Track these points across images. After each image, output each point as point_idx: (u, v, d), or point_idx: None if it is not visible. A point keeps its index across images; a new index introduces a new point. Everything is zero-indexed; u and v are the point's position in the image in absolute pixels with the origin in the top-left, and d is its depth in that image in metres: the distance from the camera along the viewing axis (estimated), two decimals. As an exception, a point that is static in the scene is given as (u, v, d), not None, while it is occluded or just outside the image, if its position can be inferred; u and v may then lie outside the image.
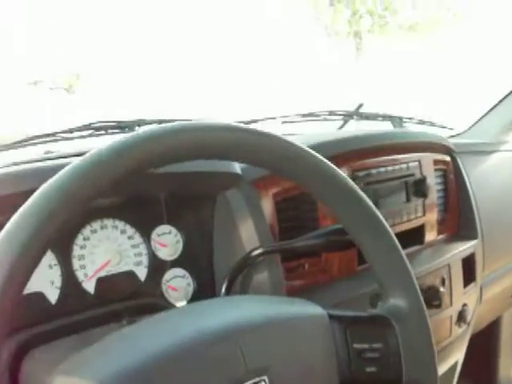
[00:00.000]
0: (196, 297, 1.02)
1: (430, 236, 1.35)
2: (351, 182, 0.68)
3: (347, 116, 2.06)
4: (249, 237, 0.98)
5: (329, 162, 0.66)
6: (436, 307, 1.24)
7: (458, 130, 2.23)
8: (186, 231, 1.02)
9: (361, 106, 2.34)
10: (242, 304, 0.71)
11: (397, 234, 1.25)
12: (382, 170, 1.20)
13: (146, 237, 0.98)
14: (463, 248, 1.39)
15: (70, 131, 1.35)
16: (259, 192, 1.01)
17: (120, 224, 0.96)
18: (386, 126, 2.54)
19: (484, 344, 2.23)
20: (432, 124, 2.21)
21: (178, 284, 1.00)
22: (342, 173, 0.67)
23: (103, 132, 1.37)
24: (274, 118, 1.80)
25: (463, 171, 1.48)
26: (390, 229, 0.71)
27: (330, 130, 1.48)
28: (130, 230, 0.97)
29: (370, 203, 0.69)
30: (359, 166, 1.16)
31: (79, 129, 1.35)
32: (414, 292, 0.71)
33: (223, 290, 0.96)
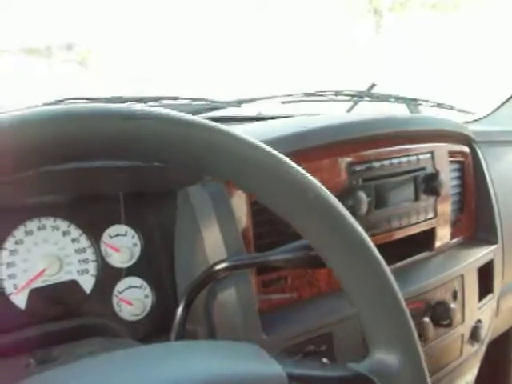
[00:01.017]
0: (154, 313, 0.84)
1: (442, 240, 1.15)
2: (323, 191, 0.48)
3: (356, 96, 1.86)
4: (213, 245, 0.80)
5: (287, 161, 0.46)
6: (445, 327, 1.05)
7: (479, 114, 2.02)
8: (145, 233, 0.84)
9: (373, 86, 2.13)
10: (181, 359, 0.51)
11: (403, 239, 1.08)
12: (386, 162, 1.00)
13: (95, 239, 0.80)
14: (481, 255, 1.19)
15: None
16: (230, 188, 0.82)
17: (62, 224, 0.79)
18: (400, 109, 2.33)
19: (498, 354, 2.06)
20: (450, 107, 2.00)
21: (133, 296, 0.83)
22: (310, 178, 0.47)
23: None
24: (272, 98, 1.61)
25: (484, 164, 1.27)
26: (377, 252, 0.52)
27: (330, 113, 1.27)
28: (74, 232, 0.80)
29: (351, 220, 0.49)
30: (357, 158, 0.96)
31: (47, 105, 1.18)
32: (410, 343, 0.51)
33: (179, 311, 0.78)
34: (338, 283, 0.93)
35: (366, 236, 0.50)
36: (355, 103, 2.10)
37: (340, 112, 1.86)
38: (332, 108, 1.98)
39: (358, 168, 0.96)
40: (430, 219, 1.10)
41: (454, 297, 1.09)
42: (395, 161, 1.02)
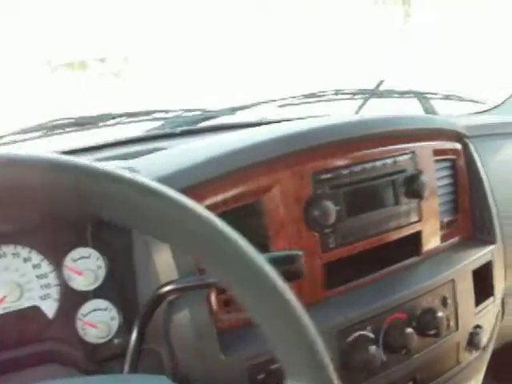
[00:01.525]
0: (120, 335, 0.82)
1: (431, 244, 1.10)
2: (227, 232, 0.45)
3: (358, 94, 1.81)
4: (165, 267, 0.78)
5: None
6: (433, 336, 0.99)
7: (489, 104, 1.94)
8: (109, 255, 0.83)
9: (381, 82, 2.07)
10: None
11: (388, 245, 1.04)
12: (358, 168, 0.96)
13: (57, 264, 0.80)
14: (475, 257, 1.12)
15: (24, 132, 1.20)
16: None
17: (23, 251, 0.79)
18: (411, 105, 2.26)
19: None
20: (460, 98, 1.93)
21: (98, 319, 0.82)
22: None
23: (60, 131, 1.22)
24: (268, 102, 1.58)
25: (477, 160, 1.20)
26: (285, 288, 0.48)
27: (318, 118, 1.23)
28: (36, 258, 0.80)
29: (252, 257, 0.46)
30: (323, 166, 0.92)
31: (33, 129, 1.20)
32: (321, 371, 0.48)
33: (134, 335, 0.77)
34: (311, 297, 0.90)
35: (269, 270, 0.47)
36: (364, 102, 2.05)
37: (343, 113, 1.82)
38: (341, 109, 1.94)
39: (323, 176, 0.92)
40: (413, 223, 1.05)
41: (444, 304, 1.04)
42: (368, 165, 0.97)
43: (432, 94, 1.95)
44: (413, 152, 1.05)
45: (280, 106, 1.59)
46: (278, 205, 0.88)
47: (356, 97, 1.78)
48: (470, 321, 1.10)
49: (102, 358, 0.81)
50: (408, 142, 1.04)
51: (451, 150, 1.17)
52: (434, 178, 1.10)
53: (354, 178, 0.95)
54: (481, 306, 1.13)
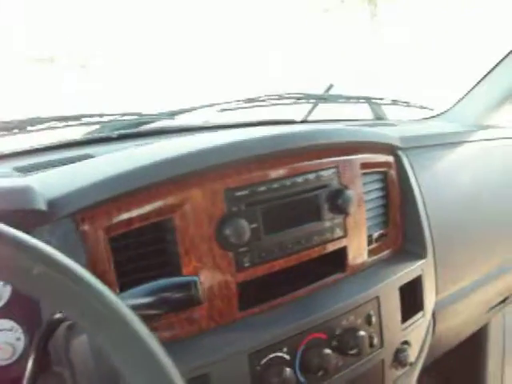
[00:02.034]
0: (25, 356, 0.78)
1: (357, 260, 1.08)
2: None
3: (303, 99, 1.79)
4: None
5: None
6: (355, 356, 0.97)
7: (437, 111, 1.94)
8: None
9: (331, 87, 2.06)
10: None
11: (305, 263, 0.98)
12: (276, 184, 0.93)
13: None
14: (404, 272, 1.11)
15: None
16: (81, 228, 0.77)
17: None
18: (362, 110, 2.25)
19: (471, 354, 2.00)
20: (407, 104, 1.93)
21: (2, 340, 0.78)
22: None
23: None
24: (209, 106, 1.55)
25: (410, 173, 1.19)
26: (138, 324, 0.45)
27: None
28: None
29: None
30: (239, 183, 0.89)
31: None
32: None
33: (30, 360, 0.73)
34: (223, 317, 0.87)
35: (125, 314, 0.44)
36: (313, 107, 2.03)
37: (290, 118, 1.79)
38: (292, 113, 1.91)
39: (239, 193, 0.89)
40: (338, 239, 1.02)
41: (368, 322, 1.01)
42: (288, 181, 0.95)
43: (381, 99, 1.94)
44: (337, 166, 1.02)
45: (221, 111, 1.55)
46: (188, 223, 0.85)
47: (301, 101, 1.76)
48: (396, 337, 1.08)
49: (6, 379, 0.78)
50: (332, 156, 1.02)
51: (382, 162, 1.15)
52: (361, 192, 1.07)
53: (273, 194, 0.93)
54: (409, 322, 1.11)
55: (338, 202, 1.00)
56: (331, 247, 1.02)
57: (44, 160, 1.06)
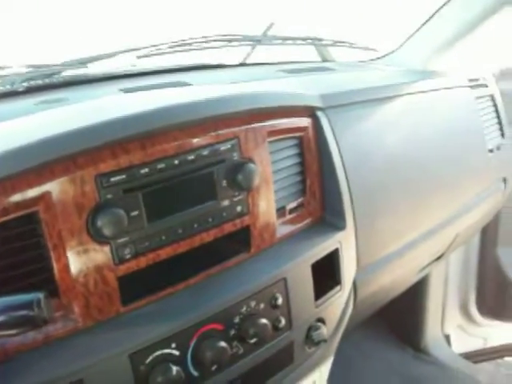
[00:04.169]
0: None
1: (265, 236, 0.99)
2: None
3: (232, 41, 1.65)
4: None
5: None
6: (256, 344, 0.91)
7: (382, 52, 1.82)
8: None
9: (270, 26, 1.92)
10: None
11: (202, 247, 0.88)
12: (160, 164, 0.83)
13: None
14: (319, 247, 1.03)
15: None
16: None
17: None
18: (307, 50, 2.11)
19: (412, 302, 2.00)
20: (351, 45, 1.81)
21: None
22: None
23: None
24: (127, 52, 1.41)
25: (329, 136, 1.09)
26: None
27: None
28: None
29: None
30: (113, 167, 0.78)
31: None
32: None
33: None
34: (102, 315, 0.79)
35: None
36: (252, 49, 1.89)
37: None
38: (228, 56, 1.78)
39: (114, 178, 0.78)
40: (239, 217, 0.93)
41: (274, 305, 0.94)
42: (176, 160, 0.84)
43: (324, 40, 1.81)
44: (237, 137, 0.92)
45: (140, 57, 1.42)
46: (55, 216, 0.75)
47: (233, 44, 1.62)
48: (308, 316, 1.02)
49: None
50: (231, 127, 0.91)
51: (295, 128, 1.04)
52: (269, 162, 0.97)
53: (158, 176, 0.82)
54: (324, 298, 1.05)
55: (237, 177, 0.90)
56: (231, 228, 0.93)
57: None
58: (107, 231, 0.77)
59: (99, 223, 0.76)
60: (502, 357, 2.15)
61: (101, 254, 0.78)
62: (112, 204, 0.78)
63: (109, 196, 0.78)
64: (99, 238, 0.78)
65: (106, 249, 0.79)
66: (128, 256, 0.81)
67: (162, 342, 0.81)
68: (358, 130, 1.15)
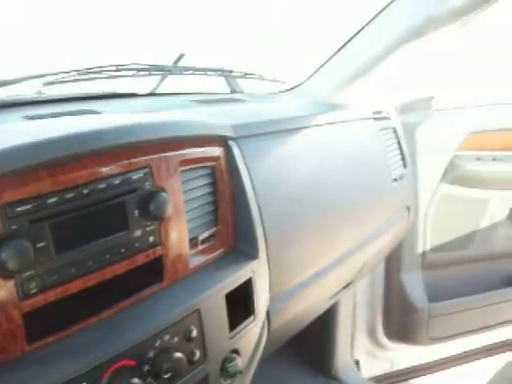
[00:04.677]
0: None
1: (178, 267, 0.97)
2: None
3: (143, 71, 1.63)
4: None
5: None
6: (171, 380, 0.88)
7: (291, 84, 1.88)
8: None
9: (181, 57, 1.92)
10: None
11: (112, 280, 0.83)
12: (69, 194, 0.79)
13: None
14: (233, 277, 1.02)
15: None
16: None
17: None
18: (216, 81, 2.13)
19: (322, 329, 2.03)
20: (261, 77, 1.85)
21: None
22: None
23: None
24: (34, 78, 1.36)
25: (241, 165, 1.10)
26: None
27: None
28: None
29: None
30: (18, 196, 0.74)
31: None
32: None
33: None
34: (4, 355, 0.74)
35: None
36: (162, 79, 1.87)
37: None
38: (138, 86, 1.75)
39: (20, 208, 0.74)
40: (152, 247, 0.91)
41: (188, 338, 0.92)
42: (86, 189, 0.81)
43: (235, 72, 1.84)
44: (149, 166, 0.90)
45: (47, 84, 1.38)
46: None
47: (142, 74, 1.61)
48: (222, 348, 1.01)
49: None
50: (144, 155, 0.90)
51: (207, 157, 1.04)
52: (181, 192, 0.96)
53: (67, 206, 0.79)
54: (238, 329, 1.04)
55: (150, 207, 0.89)
56: (143, 259, 0.90)
57: None
58: (11, 264, 0.72)
59: (3, 256, 0.72)
60: (407, 379, 2.23)
61: (4, 290, 0.74)
62: (17, 235, 0.74)
63: (13, 227, 0.74)
64: (3, 272, 0.73)
65: (10, 284, 0.74)
66: (34, 290, 0.77)
67: (71, 382, 0.77)
68: (269, 159, 1.17)
